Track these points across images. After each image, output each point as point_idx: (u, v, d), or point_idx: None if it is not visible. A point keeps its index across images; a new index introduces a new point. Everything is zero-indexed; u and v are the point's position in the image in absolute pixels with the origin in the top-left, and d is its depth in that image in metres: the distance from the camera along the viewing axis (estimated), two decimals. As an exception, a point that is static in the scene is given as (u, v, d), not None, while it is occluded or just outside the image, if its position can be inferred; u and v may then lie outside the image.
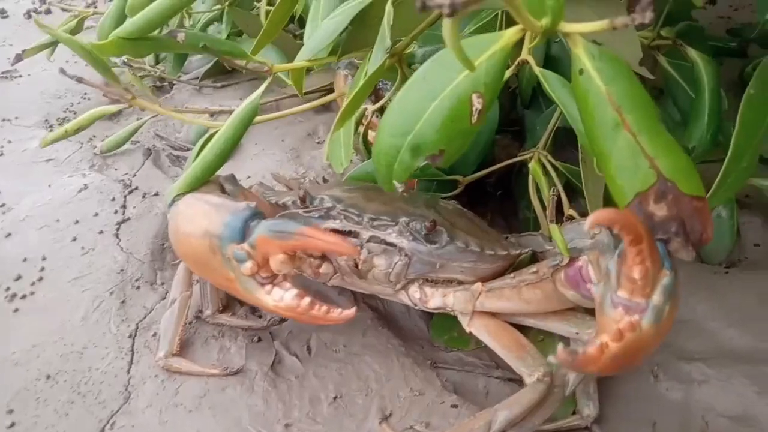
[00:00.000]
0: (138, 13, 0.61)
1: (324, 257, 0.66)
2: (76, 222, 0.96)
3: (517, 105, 0.94)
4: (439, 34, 0.68)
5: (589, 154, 0.64)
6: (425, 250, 0.61)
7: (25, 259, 0.88)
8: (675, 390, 0.66)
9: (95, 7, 2.10)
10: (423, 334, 0.77)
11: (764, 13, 0.63)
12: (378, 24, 0.65)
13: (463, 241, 0.61)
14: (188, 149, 1.23)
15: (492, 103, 0.49)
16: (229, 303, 0.78)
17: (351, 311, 0.56)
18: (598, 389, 0.63)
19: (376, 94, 0.92)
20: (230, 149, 0.64)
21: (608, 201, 0.52)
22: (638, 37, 0.63)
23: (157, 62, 1.46)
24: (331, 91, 1.31)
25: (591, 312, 0.61)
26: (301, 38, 1.30)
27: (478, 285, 0.63)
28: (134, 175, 1.11)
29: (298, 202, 0.63)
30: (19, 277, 0.85)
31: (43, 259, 0.88)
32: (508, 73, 0.63)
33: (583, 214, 0.73)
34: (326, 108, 1.23)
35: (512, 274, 0.62)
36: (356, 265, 0.62)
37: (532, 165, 0.74)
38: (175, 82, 1.48)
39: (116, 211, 0.99)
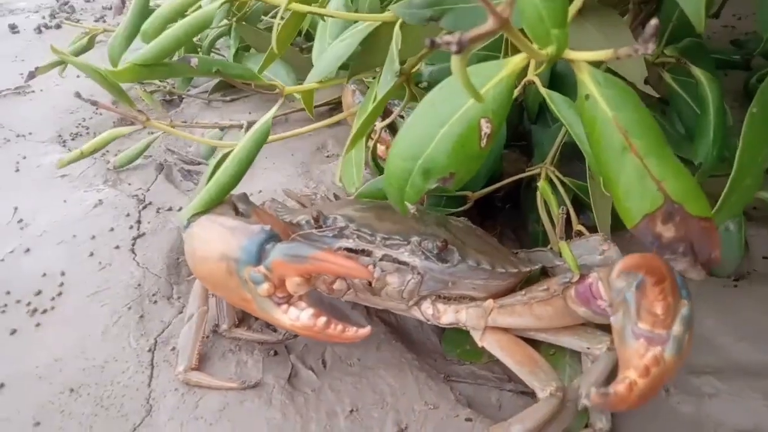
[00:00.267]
0: (151, 39, 0.63)
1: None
2: (93, 237, 0.98)
3: (524, 119, 0.95)
4: (445, 53, 0.70)
5: (597, 174, 0.65)
6: (437, 268, 0.63)
7: (44, 275, 0.90)
8: (686, 404, 0.66)
9: (104, 21, 2.14)
10: (436, 347, 0.78)
11: (767, 31, 0.64)
12: (386, 45, 0.67)
13: (474, 260, 0.62)
14: (199, 163, 1.25)
15: (500, 127, 0.50)
16: (245, 317, 0.79)
17: (366, 330, 0.58)
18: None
19: (384, 111, 0.93)
20: (244, 170, 0.66)
21: (616, 216, 0.53)
22: (643, 56, 0.65)
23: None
24: (339, 103, 1.33)
25: (601, 327, 0.63)
26: (308, 52, 1.32)
27: (490, 302, 0.64)
28: (147, 190, 1.14)
29: (312, 221, 0.65)
30: (39, 292, 0.87)
31: (62, 274, 0.91)
32: (515, 93, 0.65)
33: (591, 228, 0.75)
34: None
35: (523, 291, 0.63)
36: (370, 283, 0.64)
37: (542, 184, 0.75)
38: (184, 96, 1.50)
39: (131, 227, 1.01)
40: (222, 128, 1.29)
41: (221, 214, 0.65)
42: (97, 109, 1.47)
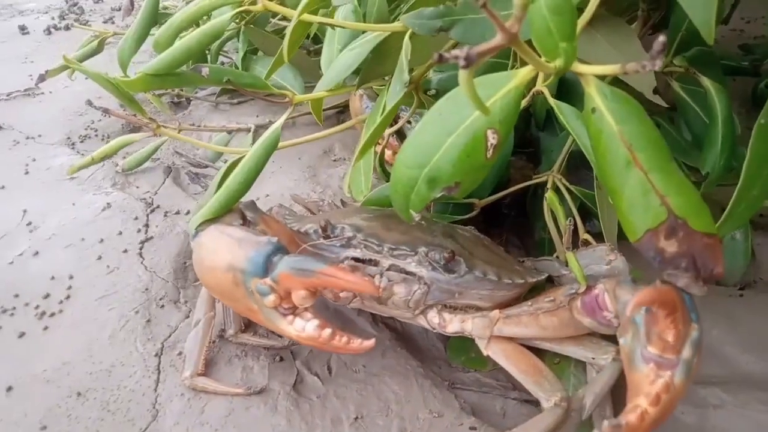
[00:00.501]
0: (163, 49, 0.64)
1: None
2: (101, 241, 0.99)
3: (531, 126, 0.95)
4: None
5: (603, 185, 0.65)
6: (444, 279, 0.63)
7: (52, 278, 0.91)
8: (690, 414, 0.66)
9: (113, 23, 2.15)
10: (441, 354, 0.79)
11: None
12: (395, 55, 0.67)
13: (481, 270, 0.63)
14: (207, 166, 1.25)
15: (507, 138, 0.50)
16: (251, 322, 0.80)
17: (370, 342, 0.58)
18: (614, 412, 0.64)
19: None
20: (253, 178, 0.66)
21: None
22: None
23: (175, 79, 1.49)
24: (346, 107, 1.33)
25: (607, 338, 0.63)
26: (316, 54, 1.33)
27: (496, 312, 0.64)
28: (155, 193, 1.14)
29: (320, 231, 0.65)
30: (47, 295, 0.88)
31: (70, 277, 0.91)
32: (523, 103, 0.65)
33: (598, 235, 0.75)
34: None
35: (529, 302, 0.63)
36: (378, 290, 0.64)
37: (549, 195, 0.75)
38: (192, 98, 1.51)
39: (139, 230, 1.02)
40: (229, 131, 1.29)
41: (229, 223, 0.65)
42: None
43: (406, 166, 0.49)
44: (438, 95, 0.82)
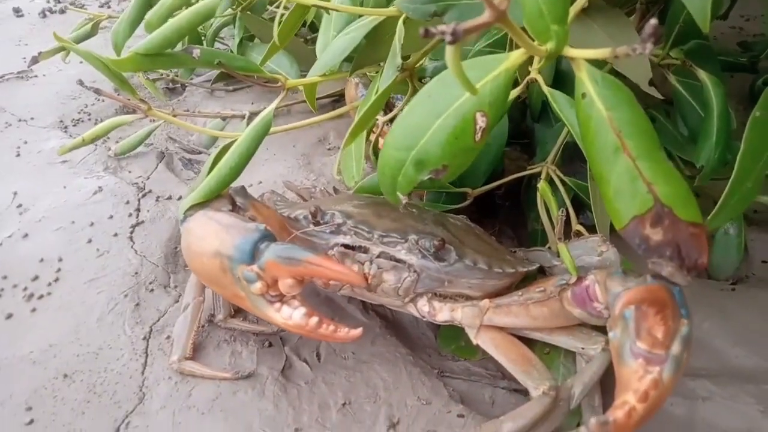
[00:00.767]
0: (155, 29, 0.63)
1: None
2: (91, 224, 0.98)
3: (527, 117, 0.95)
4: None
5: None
6: (434, 267, 0.62)
7: (42, 260, 0.90)
8: (679, 406, 0.66)
9: (108, 7, 2.13)
10: (430, 342, 0.78)
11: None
12: (390, 40, 0.66)
13: (471, 259, 0.62)
14: (200, 152, 1.25)
15: (496, 122, 0.49)
16: (240, 308, 0.80)
17: (357, 331, 0.58)
18: (603, 403, 0.65)
19: (387, 105, 0.93)
20: (244, 163, 0.66)
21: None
22: (647, 57, 0.64)
23: (170, 65, 1.48)
24: (341, 96, 1.32)
25: (597, 328, 0.63)
26: (312, 43, 1.32)
27: (486, 301, 0.64)
28: (148, 178, 1.13)
29: (310, 216, 0.65)
30: (36, 278, 0.87)
31: (60, 260, 0.91)
32: (517, 91, 0.64)
33: (591, 227, 0.74)
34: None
35: (519, 292, 0.63)
36: (366, 280, 0.64)
37: (542, 186, 0.75)
38: (187, 84, 1.50)
39: (130, 214, 1.01)
40: (224, 118, 1.28)
41: (218, 209, 0.65)
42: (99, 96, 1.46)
43: (394, 148, 0.49)
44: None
